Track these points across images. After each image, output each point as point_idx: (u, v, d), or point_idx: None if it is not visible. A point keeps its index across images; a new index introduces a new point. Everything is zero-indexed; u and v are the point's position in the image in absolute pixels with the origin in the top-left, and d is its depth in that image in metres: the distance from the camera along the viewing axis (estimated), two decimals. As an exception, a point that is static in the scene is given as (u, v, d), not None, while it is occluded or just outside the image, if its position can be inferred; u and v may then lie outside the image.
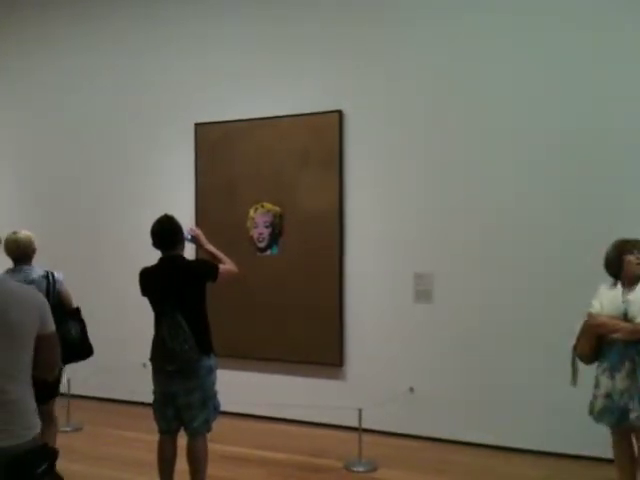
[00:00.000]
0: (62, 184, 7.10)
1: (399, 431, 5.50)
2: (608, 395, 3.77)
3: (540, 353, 5.00)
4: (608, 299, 3.83)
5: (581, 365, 3.96)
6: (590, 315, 3.86)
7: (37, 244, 4.37)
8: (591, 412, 3.89)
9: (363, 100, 5.68)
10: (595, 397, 3.85)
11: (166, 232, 3.94)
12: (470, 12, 5.30)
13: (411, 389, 5.47)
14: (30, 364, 2.38)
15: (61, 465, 4.29)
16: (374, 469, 4.83)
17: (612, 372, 3.75)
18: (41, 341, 2.40)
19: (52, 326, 2.46)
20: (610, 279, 3.91)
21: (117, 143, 6.83)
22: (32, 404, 2.39)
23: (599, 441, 4.19)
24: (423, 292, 5.47)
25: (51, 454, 2.37)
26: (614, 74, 4.86)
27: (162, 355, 3.84)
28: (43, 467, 2.29)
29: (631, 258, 3.80)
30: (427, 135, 5.46)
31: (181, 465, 4.03)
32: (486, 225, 5.24)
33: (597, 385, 3.85)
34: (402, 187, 5.54)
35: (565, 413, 4.88)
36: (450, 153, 5.37)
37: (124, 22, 6.82)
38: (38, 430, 2.39)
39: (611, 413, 3.76)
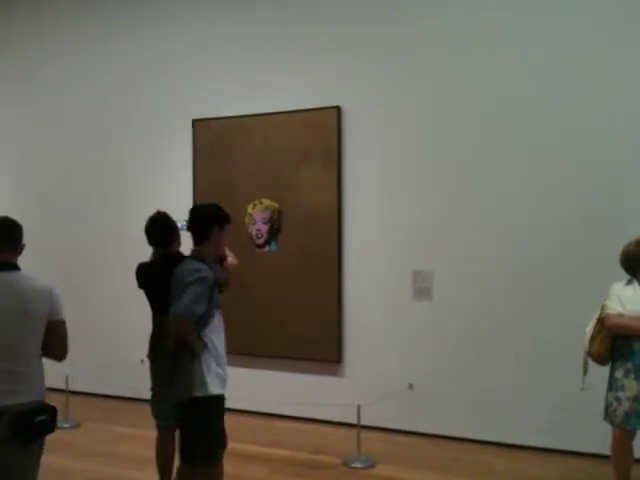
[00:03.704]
0: (60, 184, 7.08)
1: (398, 428, 5.50)
2: (635, 398, 3.68)
3: (540, 350, 5.00)
4: (628, 298, 3.73)
5: (592, 365, 3.89)
6: (609, 316, 3.75)
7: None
8: (612, 415, 3.77)
9: (361, 96, 5.66)
10: (618, 400, 3.73)
11: (160, 229, 3.92)
12: (470, 10, 5.29)
13: (410, 386, 5.47)
14: (40, 344, 2.93)
15: (60, 461, 4.30)
16: (373, 465, 4.84)
17: (634, 374, 3.68)
18: (51, 326, 2.94)
19: (61, 315, 2.98)
20: (615, 278, 3.84)
21: (115, 141, 6.81)
22: (39, 376, 2.94)
23: (600, 438, 4.18)
24: (422, 289, 5.46)
25: (50, 409, 2.90)
26: (614, 74, 4.85)
27: (159, 352, 3.83)
28: (41, 417, 2.83)
29: None
30: (426, 132, 5.45)
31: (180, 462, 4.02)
32: (486, 223, 5.23)
33: (621, 388, 3.72)
34: (401, 183, 5.53)
35: (566, 410, 4.88)
36: (449, 150, 5.36)
37: (122, 21, 6.79)
38: (42, 397, 2.92)
39: (638, 416, 3.68)
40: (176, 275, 3.46)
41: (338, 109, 5.69)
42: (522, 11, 5.11)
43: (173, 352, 3.40)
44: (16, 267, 3.01)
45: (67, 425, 5.76)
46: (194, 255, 3.50)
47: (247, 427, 5.76)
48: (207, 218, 3.51)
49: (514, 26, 5.14)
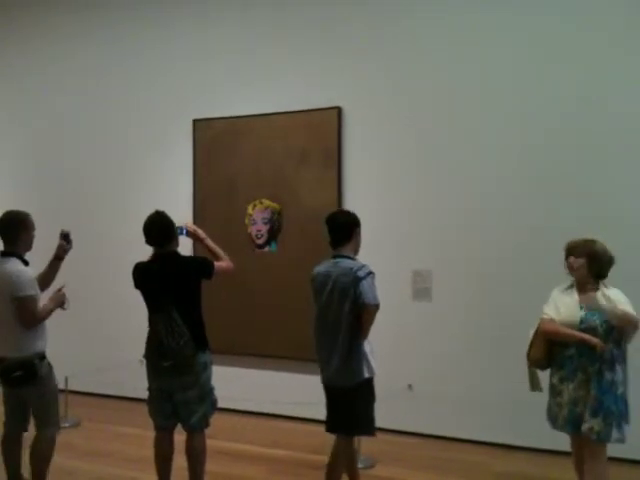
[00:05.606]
0: (60, 184, 7.09)
1: (397, 428, 5.49)
2: (568, 404, 3.66)
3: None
4: (565, 304, 3.70)
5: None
6: (542, 322, 3.75)
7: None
8: (554, 419, 3.77)
9: (362, 97, 5.67)
10: (559, 405, 3.72)
11: (158, 228, 3.92)
12: (470, 10, 5.29)
13: (409, 386, 5.46)
14: (15, 316, 3.78)
15: (59, 461, 4.29)
16: (372, 466, 4.84)
17: (567, 382, 3.67)
18: (15, 302, 3.78)
19: (22, 292, 3.78)
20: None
21: (116, 141, 6.82)
22: (24, 338, 3.80)
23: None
24: (422, 290, 5.46)
25: (28, 364, 3.80)
26: (614, 74, 4.86)
27: (157, 351, 3.83)
28: (17, 373, 3.77)
29: (565, 264, 3.74)
30: (426, 132, 5.45)
31: (179, 461, 4.02)
32: (485, 223, 5.24)
33: (560, 394, 3.71)
34: (401, 184, 5.54)
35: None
36: (449, 150, 5.36)
37: (123, 22, 6.81)
38: (34, 350, 3.82)
39: (571, 422, 3.66)
40: (340, 272, 3.69)
41: (338, 109, 5.69)
42: (522, 11, 5.11)
43: (353, 341, 3.72)
44: (8, 254, 3.86)
45: (66, 425, 5.74)
46: (342, 255, 3.78)
47: (247, 427, 5.77)
48: (349, 222, 3.83)
49: (514, 26, 5.14)
